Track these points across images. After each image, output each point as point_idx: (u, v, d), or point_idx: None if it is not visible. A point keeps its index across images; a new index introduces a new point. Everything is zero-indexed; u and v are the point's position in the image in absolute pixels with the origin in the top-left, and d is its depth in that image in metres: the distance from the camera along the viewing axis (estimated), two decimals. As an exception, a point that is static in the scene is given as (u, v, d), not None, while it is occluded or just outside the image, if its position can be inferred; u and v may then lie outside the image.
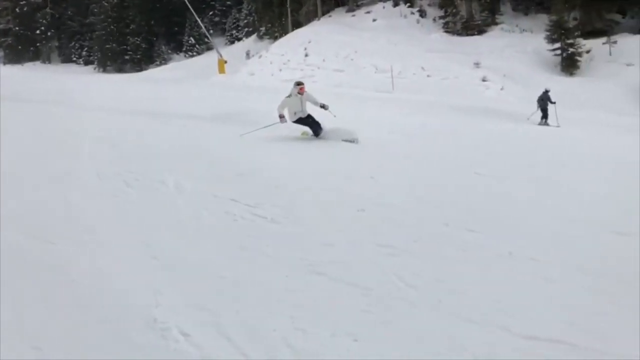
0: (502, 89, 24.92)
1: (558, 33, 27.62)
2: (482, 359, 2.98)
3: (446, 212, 5.73)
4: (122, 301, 3.54)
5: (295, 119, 9.54)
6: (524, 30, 31.58)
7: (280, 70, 29.86)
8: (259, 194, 5.91)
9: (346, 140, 9.32)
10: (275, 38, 40.99)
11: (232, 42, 52.02)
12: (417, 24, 33.95)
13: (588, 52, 27.53)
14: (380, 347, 3.09)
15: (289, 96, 9.42)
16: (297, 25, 40.50)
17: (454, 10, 33.21)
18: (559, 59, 27.57)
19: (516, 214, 5.87)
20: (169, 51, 57.09)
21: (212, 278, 3.91)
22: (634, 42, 27.47)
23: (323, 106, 9.38)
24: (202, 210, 5.42)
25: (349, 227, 5.09)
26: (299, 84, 9.55)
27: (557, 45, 27.59)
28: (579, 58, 27.32)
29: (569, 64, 27.19)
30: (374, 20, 35.22)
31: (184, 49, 55.34)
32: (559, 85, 24.93)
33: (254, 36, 46.92)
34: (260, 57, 34.04)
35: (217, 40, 47.72)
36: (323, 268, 4.10)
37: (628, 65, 25.93)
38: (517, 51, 28.80)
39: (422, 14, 35.32)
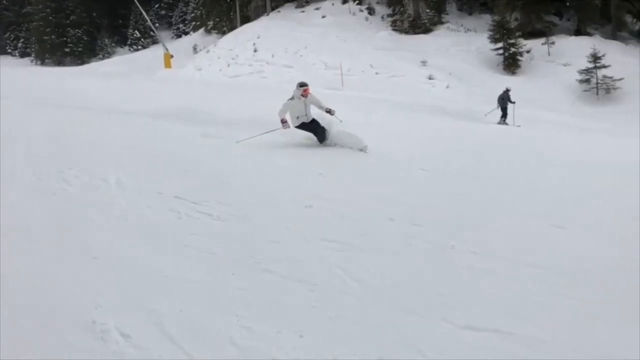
0: (447, 87, 25.56)
1: (500, 33, 28.56)
2: (425, 351, 3.04)
3: (393, 208, 5.81)
4: (58, 302, 3.40)
5: (297, 124, 8.67)
6: (468, 29, 32.50)
7: (229, 65, 29.48)
8: (204, 190, 5.81)
9: (353, 148, 8.41)
10: (224, 33, 40.43)
11: (179, 36, 50.97)
12: (366, 22, 34.32)
13: (528, 51, 28.61)
14: (326, 342, 3.10)
15: (291, 99, 8.54)
16: (246, 20, 40.10)
17: (401, 9, 33.77)
18: (501, 58, 28.52)
19: (461, 210, 6.01)
20: (113, 44, 55.30)
21: (155, 277, 3.82)
22: (570, 43, 28.78)
23: (329, 111, 8.55)
24: (145, 209, 5.28)
25: (297, 223, 5.08)
26: (302, 85, 8.57)
27: (500, 44, 28.53)
28: (520, 57, 28.35)
29: (511, 63, 28.18)
30: (323, 17, 35.34)
31: (129, 42, 53.74)
32: (502, 84, 25.85)
33: (201, 30, 46.06)
34: (207, 51, 33.48)
35: (163, 34, 46.64)
36: (270, 265, 4.08)
37: (565, 65, 27.13)
38: (462, 50, 29.60)
39: (371, 11, 35.73)
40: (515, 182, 7.37)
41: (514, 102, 18.36)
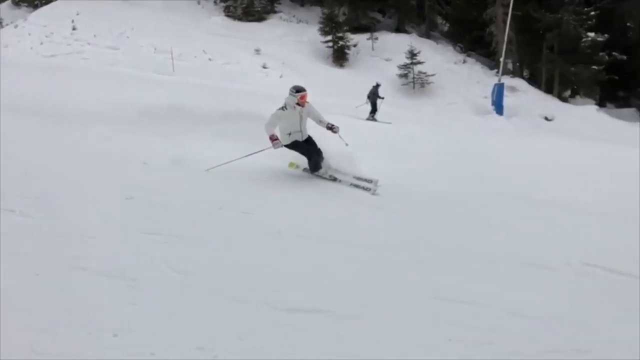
0: (281, 76, 25.98)
1: (330, 26, 29.80)
2: (246, 336, 3.05)
3: (221, 196, 5.75)
4: None
5: (288, 142, 6.79)
6: (300, 20, 33.35)
7: (42, 43, 26.35)
8: (3, 183, 5.13)
9: (358, 186, 6.74)
10: (36, 6, 36.11)
11: (-19, 8, 44.30)
12: (198, 5, 33.28)
13: (355, 45, 30.32)
14: (145, 339, 2.95)
15: (283, 108, 6.67)
16: (64, -7, 36.24)
17: (235, -5, 33.42)
18: (331, 50, 29.81)
19: (287, 196, 6.17)
20: None
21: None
22: (391, 40, 31.20)
23: (331, 127, 6.79)
24: None
25: (116, 216, 4.75)
26: (298, 90, 6.67)
27: (329, 37, 29.78)
28: (347, 51, 29.91)
29: (339, 56, 29.60)
30: (153, -3, 33.45)
31: None
32: (331, 76, 27.14)
33: (8, 2, 40.59)
34: (16, 26, 29.61)
35: (-41, 4, 40.12)
36: (82, 262, 3.75)
37: (387, 60, 29.33)
38: (294, 40, 30.29)
39: (203, -5, 34.73)
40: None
41: (382, 98, 18.40)
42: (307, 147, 6.90)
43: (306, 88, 6.72)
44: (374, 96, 18.36)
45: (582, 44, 27.42)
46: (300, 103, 6.64)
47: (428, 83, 27.21)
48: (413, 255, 4.54)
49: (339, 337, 3.14)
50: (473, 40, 32.19)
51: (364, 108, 18.42)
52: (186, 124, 8.59)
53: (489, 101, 24.94)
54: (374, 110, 18.19)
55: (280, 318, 3.27)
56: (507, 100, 24.62)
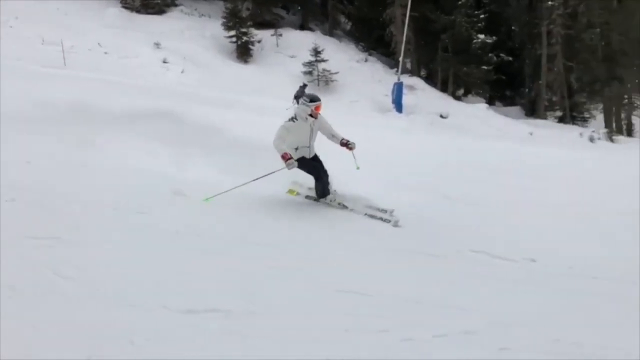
0: (182, 71, 25.21)
1: (233, 21, 29.35)
2: (140, 341, 2.94)
3: (118, 196, 5.48)
4: None
5: (294, 158, 5.89)
6: (202, 14, 32.54)
7: None
8: None
9: (374, 217, 6.00)
10: None
11: None
12: (92, -5, 31.45)
13: (259, 41, 30.12)
14: (29, 353, 2.75)
15: (293, 119, 5.87)
16: None
17: (132, -14, 31.92)
18: (234, 46, 29.39)
19: (188, 197, 5.99)
20: None
21: None
22: (296, 36, 31.37)
23: (346, 144, 5.96)
24: None
25: (-5, 220, 4.37)
26: (313, 100, 5.91)
27: (233, 32, 29.33)
28: (251, 47, 29.63)
29: (243, 52, 29.26)
30: (40, -16, 31.10)
31: None
32: (236, 72, 26.78)
33: None
34: None
35: None
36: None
37: (291, 57, 29.45)
38: (196, 35, 29.50)
39: (98, -15, 32.83)
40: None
41: None
42: (315, 166, 6.04)
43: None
44: (300, 97, 18.39)
45: (473, 45, 29.24)
46: (314, 114, 5.86)
47: (332, 81, 27.69)
48: (315, 251, 4.61)
49: (238, 336, 3.12)
50: (374, 40, 33.23)
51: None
52: (94, 124, 7.66)
53: (390, 99, 25.87)
54: None
55: (178, 320, 3.19)
56: (406, 98, 25.68)
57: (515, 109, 31.90)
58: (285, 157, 5.64)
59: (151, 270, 3.78)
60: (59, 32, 23.96)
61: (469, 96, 32.23)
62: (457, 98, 30.40)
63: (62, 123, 7.52)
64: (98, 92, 12.47)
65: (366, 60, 30.90)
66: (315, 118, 5.87)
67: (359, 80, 27.58)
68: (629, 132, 28.45)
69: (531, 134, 23.14)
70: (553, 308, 3.90)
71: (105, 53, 25.07)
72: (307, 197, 6.38)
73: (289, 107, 18.04)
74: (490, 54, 29.94)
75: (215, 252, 4.31)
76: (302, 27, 33.58)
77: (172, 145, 7.16)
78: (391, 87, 26.22)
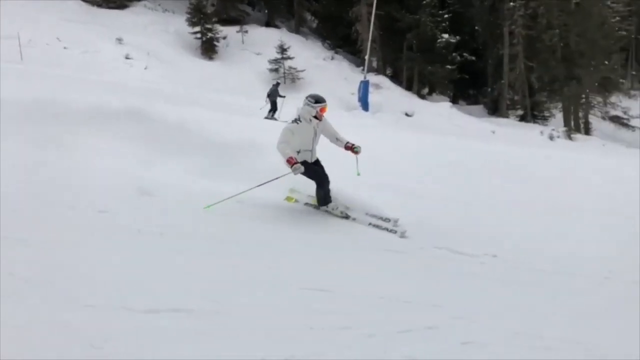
0: (146, 68, 24.79)
1: (198, 17, 29.03)
2: (101, 344, 2.86)
3: (79, 196, 5.34)
4: None
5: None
6: (166, 10, 32.06)
7: None
8: None
9: (379, 227, 5.72)
10: None
11: None
12: (51, -12, 30.55)
13: (224, 38, 29.87)
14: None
15: (296, 121, 5.63)
16: None
17: (92, -20, 31.13)
18: (199, 42, 29.05)
19: (154, 197, 5.88)
20: None
21: None
22: (262, 33, 31.24)
23: (351, 147, 5.75)
24: None
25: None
26: (318, 100, 5.67)
27: (198, 28, 28.99)
28: (217, 43, 29.38)
29: (208, 48, 28.98)
30: (-6, -25, 30.01)
31: None
32: (201, 68, 26.47)
33: None
34: None
35: None
36: None
37: (257, 54, 29.30)
38: (160, 30, 29.05)
39: (56, -22, 31.90)
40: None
41: (283, 97, 18.19)
42: (317, 171, 5.75)
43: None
44: (272, 95, 18.26)
45: (438, 45, 29.70)
46: (318, 116, 5.63)
47: (298, 78, 27.70)
48: (283, 250, 4.58)
49: (201, 336, 3.07)
50: (340, 38, 33.39)
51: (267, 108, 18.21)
52: (58, 122, 7.24)
53: (356, 97, 26.03)
54: (273, 109, 18.06)
55: (138, 321, 3.11)
56: (372, 96, 25.90)
57: (478, 108, 32.56)
58: (292, 162, 5.36)
59: (111, 270, 3.68)
60: (15, 25, 23.19)
61: (434, 95, 32.74)
62: (422, 97, 30.86)
63: (23, 122, 7.24)
64: (61, 88, 12.12)
65: (332, 58, 31.03)
66: (320, 120, 5.65)
67: (325, 78, 27.66)
68: (587, 131, 29.37)
69: (494, 132, 23.67)
70: (514, 302, 3.99)
71: (65, 48, 24.44)
72: (306, 204, 6.11)
73: (263, 106, 17.99)
74: (454, 54, 30.50)
75: (178, 251, 4.24)
76: (268, 24, 33.45)
77: (139, 143, 7.00)
78: (357, 85, 26.40)
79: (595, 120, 30.02)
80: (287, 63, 27.72)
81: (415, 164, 9.45)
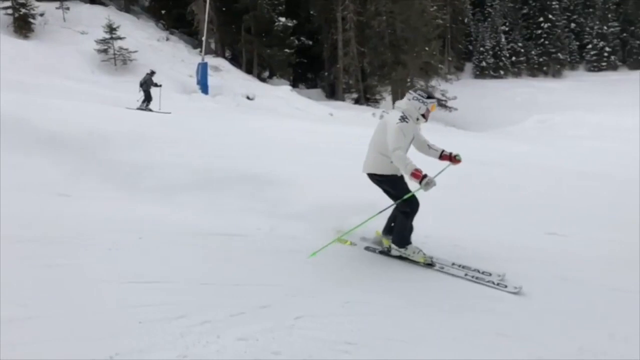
0: (-58, 45, 21.25)
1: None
2: None
3: None
4: None
5: (387, 172, 4.37)
6: (-33, -20, 27.73)
7: None
8: None
9: (481, 281, 4.11)
10: None
11: None
12: None
13: (42, 15, 26.82)
14: None
15: (404, 119, 4.24)
16: None
17: None
18: (11, 18, 25.71)
19: None
20: None
21: None
22: (86, 11, 28.66)
23: (450, 157, 4.50)
24: None
25: None
26: (430, 96, 4.47)
27: (8, 3, 25.61)
28: (32, 20, 26.24)
29: (22, 26, 25.76)
30: None
31: None
32: (14, 48, 23.48)
33: None
34: None
35: None
36: None
37: (82, 33, 26.82)
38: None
39: None
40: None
41: (159, 86, 16.80)
42: (403, 189, 4.38)
43: None
44: (145, 84, 16.87)
45: (275, 28, 30.02)
46: (426, 115, 4.42)
47: (131, 60, 25.98)
48: (103, 242, 4.25)
49: (15, 345, 2.72)
50: (175, 18, 32.04)
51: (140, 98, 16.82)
52: None
53: (195, 80, 25.25)
54: (147, 99, 16.70)
55: None
56: (212, 79, 25.33)
57: (317, 91, 33.76)
58: (419, 175, 4.04)
59: None
60: None
61: (274, 78, 33.10)
62: (263, 80, 31.03)
63: None
64: None
65: (167, 39, 29.71)
66: (426, 120, 4.47)
67: (160, 60, 26.38)
68: (412, 112, 32.07)
69: (331, 114, 24.70)
70: (343, 275, 4.17)
71: None
72: (367, 248, 4.79)
73: (139, 99, 16.45)
74: (291, 37, 31.07)
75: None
76: (93, 1, 30.80)
77: None
78: (195, 67, 25.62)
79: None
80: (117, 43, 25.77)
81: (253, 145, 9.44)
